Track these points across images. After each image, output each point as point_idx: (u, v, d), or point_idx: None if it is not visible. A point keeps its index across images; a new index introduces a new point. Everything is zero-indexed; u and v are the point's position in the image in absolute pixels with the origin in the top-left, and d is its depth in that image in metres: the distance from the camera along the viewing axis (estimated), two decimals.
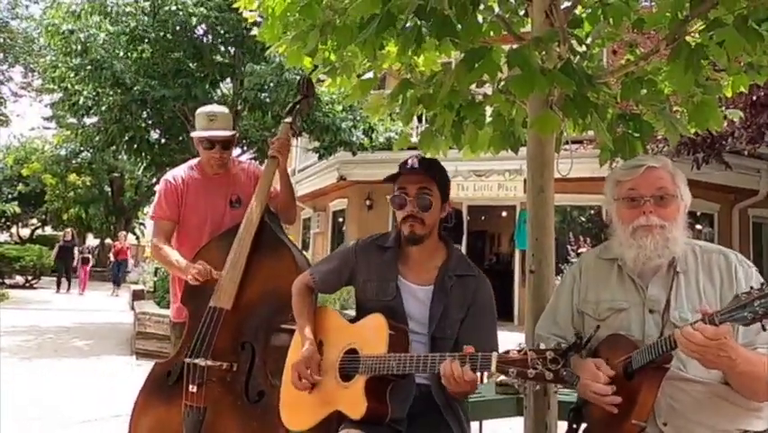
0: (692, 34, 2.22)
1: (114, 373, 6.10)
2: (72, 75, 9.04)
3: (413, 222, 1.89)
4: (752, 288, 1.35)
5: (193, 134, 2.76)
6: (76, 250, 17.12)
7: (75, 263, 16.88)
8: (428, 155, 2.78)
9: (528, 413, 2.29)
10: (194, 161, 2.85)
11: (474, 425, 2.41)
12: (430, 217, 1.91)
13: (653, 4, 2.82)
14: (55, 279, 17.00)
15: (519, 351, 1.50)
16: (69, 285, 16.72)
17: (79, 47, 8.61)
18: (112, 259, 17.57)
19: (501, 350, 1.57)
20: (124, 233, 19.85)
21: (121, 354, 7.23)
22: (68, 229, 18.56)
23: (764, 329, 1.34)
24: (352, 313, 2.07)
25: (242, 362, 2.37)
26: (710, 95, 2.50)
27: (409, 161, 1.93)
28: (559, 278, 2.29)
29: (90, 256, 18.24)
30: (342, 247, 2.18)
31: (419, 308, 1.91)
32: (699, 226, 10.43)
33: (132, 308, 8.96)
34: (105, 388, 5.41)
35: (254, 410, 2.31)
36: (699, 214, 10.65)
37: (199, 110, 2.82)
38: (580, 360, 1.62)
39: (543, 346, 1.48)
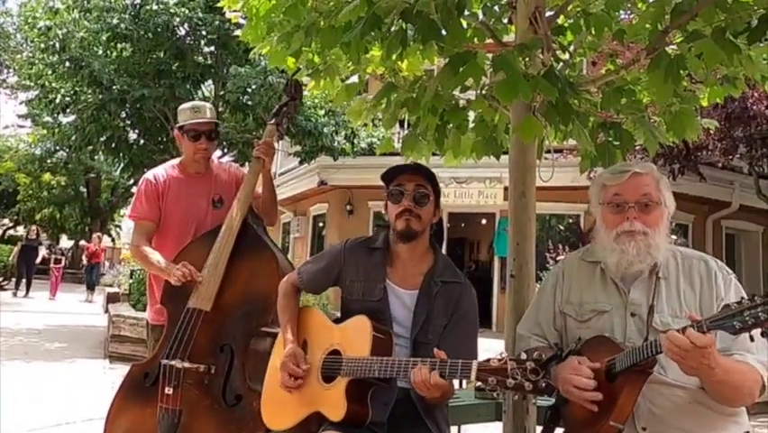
0: (671, 45, 2.26)
1: (87, 377, 5.96)
2: (50, 72, 8.88)
3: (409, 216, 1.89)
4: (742, 298, 1.37)
5: (178, 125, 2.73)
6: (41, 250, 15.75)
7: (40, 264, 15.54)
8: (411, 159, 2.79)
9: (507, 418, 2.31)
10: (175, 161, 2.81)
11: (453, 430, 2.41)
12: (425, 214, 1.92)
13: (632, 15, 2.88)
14: (22, 280, 15.41)
15: (500, 360, 1.49)
16: (29, 288, 15.01)
17: (57, 44, 8.47)
18: (85, 262, 16.38)
19: (481, 357, 1.57)
20: (99, 234, 18.81)
21: (94, 358, 7.08)
22: (33, 227, 17.40)
23: (752, 339, 1.36)
24: (336, 315, 2.05)
25: (220, 364, 2.33)
26: (688, 105, 2.56)
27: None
28: (539, 284, 2.30)
29: (63, 258, 17.45)
30: (330, 247, 2.18)
31: (404, 311, 1.91)
32: (674, 237, 10.58)
33: (107, 311, 8.78)
34: (77, 391, 5.28)
35: (231, 414, 2.28)
36: (673, 224, 10.82)
37: (182, 106, 2.80)
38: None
39: (524, 346, 1.48)
